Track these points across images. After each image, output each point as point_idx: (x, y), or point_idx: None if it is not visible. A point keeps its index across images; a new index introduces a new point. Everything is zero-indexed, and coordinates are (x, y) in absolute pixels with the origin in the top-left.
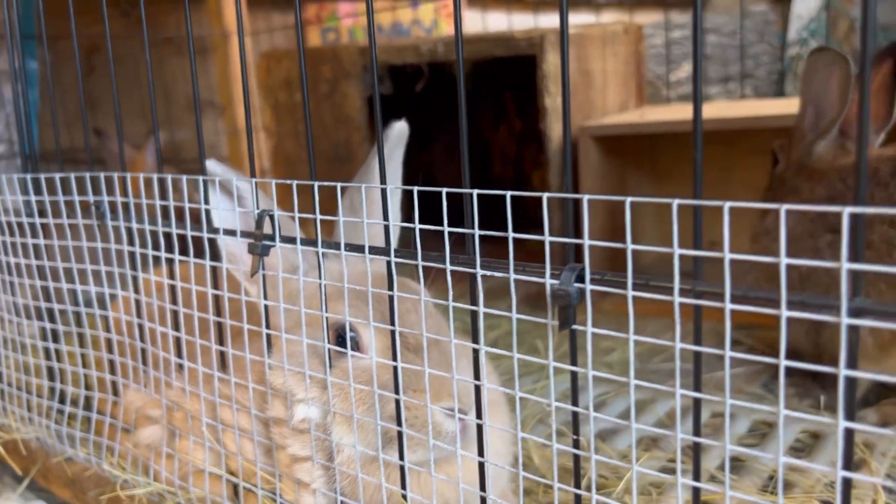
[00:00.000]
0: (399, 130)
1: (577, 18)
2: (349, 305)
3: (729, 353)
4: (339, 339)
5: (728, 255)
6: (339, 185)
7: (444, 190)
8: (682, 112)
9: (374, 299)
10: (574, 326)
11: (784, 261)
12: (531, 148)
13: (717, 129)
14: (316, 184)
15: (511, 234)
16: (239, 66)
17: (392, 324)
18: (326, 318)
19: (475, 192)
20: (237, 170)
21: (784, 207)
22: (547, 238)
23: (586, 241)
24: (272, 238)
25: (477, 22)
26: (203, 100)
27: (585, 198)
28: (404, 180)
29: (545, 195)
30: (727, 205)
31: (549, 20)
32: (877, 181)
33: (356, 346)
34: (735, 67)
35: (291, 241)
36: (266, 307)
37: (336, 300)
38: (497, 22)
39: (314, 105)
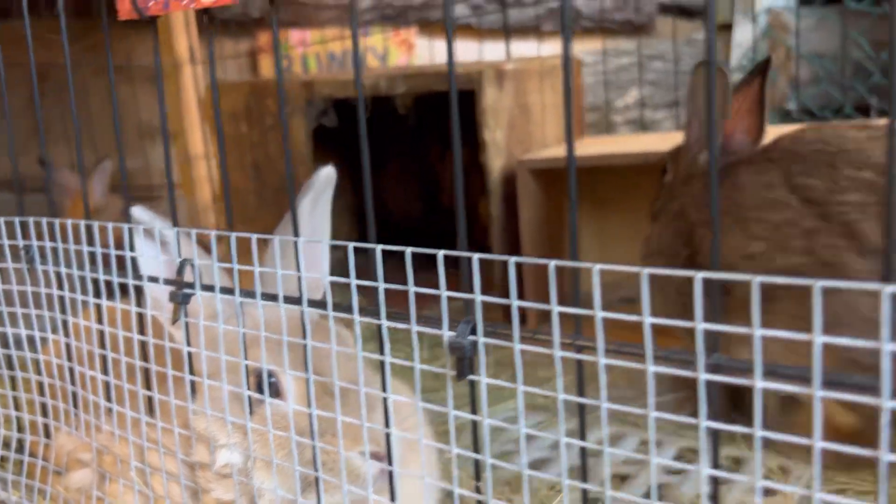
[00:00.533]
0: (325, 176)
1: (519, 49)
2: (271, 351)
3: (605, 405)
4: (260, 385)
5: (599, 314)
6: (254, 236)
7: (351, 244)
8: (618, 144)
9: (296, 345)
10: (470, 377)
11: (648, 320)
12: (477, 178)
13: (650, 161)
14: (234, 235)
15: (412, 289)
16: (190, 95)
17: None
18: (246, 364)
19: (379, 247)
20: (188, 196)
21: (646, 271)
22: (443, 293)
23: (478, 297)
24: (193, 286)
25: (425, 50)
26: (154, 127)
27: (476, 256)
28: (355, 209)
29: (440, 252)
30: (596, 267)
31: (495, 49)
32: (733, 184)
33: (276, 392)
34: (680, 93)
35: (211, 289)
36: (190, 353)
37: (258, 346)
38: (444, 50)
39: (260, 137)
